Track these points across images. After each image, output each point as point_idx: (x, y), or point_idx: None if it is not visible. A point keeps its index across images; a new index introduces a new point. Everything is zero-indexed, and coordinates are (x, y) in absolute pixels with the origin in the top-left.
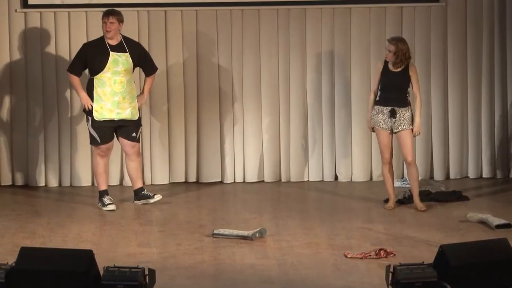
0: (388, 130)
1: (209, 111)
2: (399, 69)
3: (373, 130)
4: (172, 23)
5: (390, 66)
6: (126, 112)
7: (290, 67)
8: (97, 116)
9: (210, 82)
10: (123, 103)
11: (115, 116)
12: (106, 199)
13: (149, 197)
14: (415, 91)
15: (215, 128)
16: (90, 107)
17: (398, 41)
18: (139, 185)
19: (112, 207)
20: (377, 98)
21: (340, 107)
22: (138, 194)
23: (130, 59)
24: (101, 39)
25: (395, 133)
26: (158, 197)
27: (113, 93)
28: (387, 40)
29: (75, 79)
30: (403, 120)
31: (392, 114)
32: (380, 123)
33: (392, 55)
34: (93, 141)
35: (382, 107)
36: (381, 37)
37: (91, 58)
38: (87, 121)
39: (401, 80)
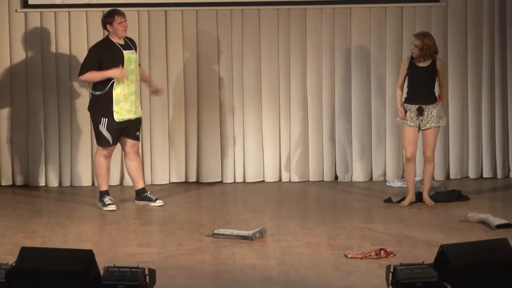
0: (416, 127)
1: (210, 110)
2: (426, 64)
3: (405, 115)
4: (172, 23)
5: (417, 62)
6: (139, 110)
7: (290, 67)
8: (118, 117)
9: (210, 81)
10: (136, 102)
11: (133, 116)
12: (107, 199)
13: (150, 200)
14: (441, 84)
15: (215, 128)
16: (123, 73)
17: (424, 36)
18: (141, 185)
19: (112, 207)
20: (405, 95)
21: (340, 107)
22: (140, 194)
23: (136, 55)
24: (108, 40)
25: (423, 130)
26: (159, 203)
27: (130, 92)
28: (413, 35)
29: (89, 72)
30: (430, 118)
31: (420, 112)
32: (408, 121)
33: (418, 50)
34: (105, 143)
35: (409, 105)
36: (381, 37)
37: (106, 60)
38: (100, 124)
39: (428, 75)
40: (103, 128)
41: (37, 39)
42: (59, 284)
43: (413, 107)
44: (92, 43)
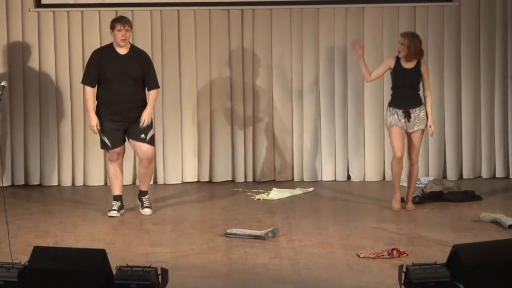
0: (403, 128)
1: (222, 110)
2: (411, 66)
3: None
4: (184, 22)
5: (403, 63)
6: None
7: (303, 67)
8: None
9: (222, 81)
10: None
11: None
12: (114, 204)
13: (141, 205)
14: (426, 90)
15: (228, 127)
16: (96, 131)
17: (410, 35)
18: (143, 188)
19: (113, 213)
20: (390, 98)
21: (352, 107)
22: (139, 195)
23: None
24: (110, 46)
25: (410, 133)
26: (146, 211)
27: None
28: (400, 34)
29: (89, 93)
30: (418, 120)
31: (407, 116)
32: (396, 123)
33: (406, 48)
34: (103, 145)
35: (396, 109)
36: (394, 36)
37: (103, 66)
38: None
39: (414, 77)
40: (99, 131)
41: (50, 38)
42: (72, 284)
43: (399, 111)
44: (105, 42)
